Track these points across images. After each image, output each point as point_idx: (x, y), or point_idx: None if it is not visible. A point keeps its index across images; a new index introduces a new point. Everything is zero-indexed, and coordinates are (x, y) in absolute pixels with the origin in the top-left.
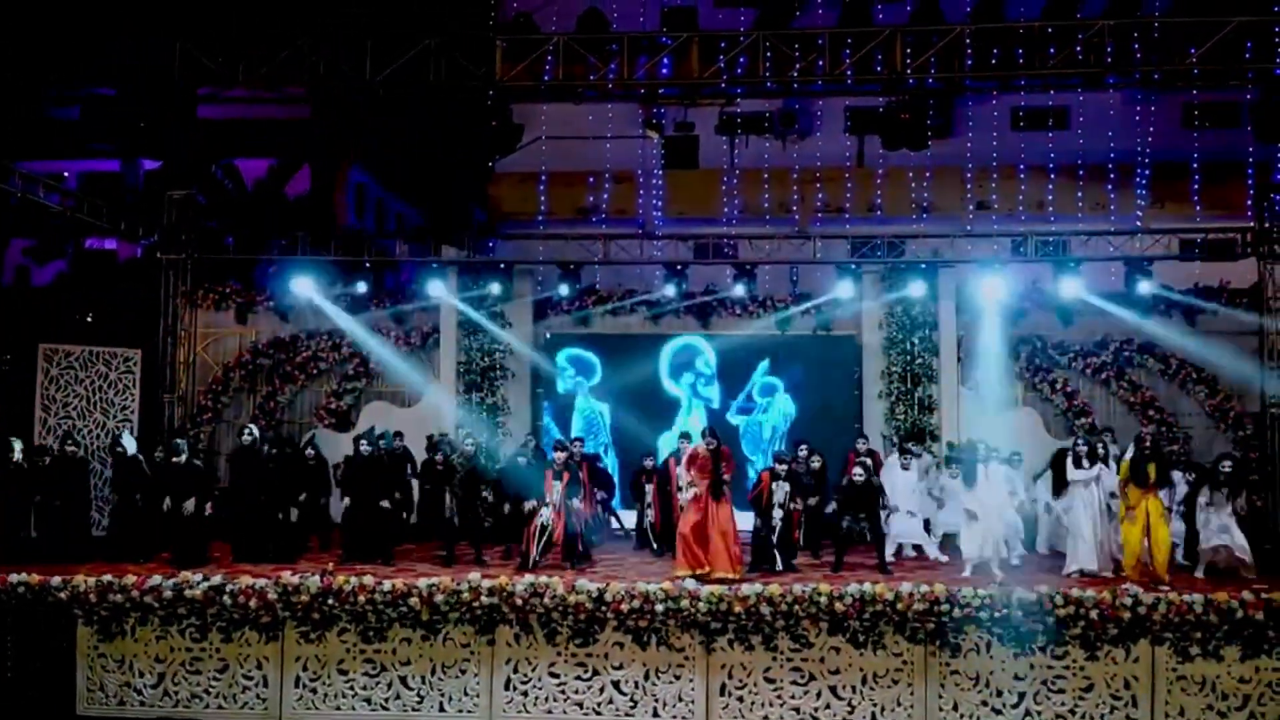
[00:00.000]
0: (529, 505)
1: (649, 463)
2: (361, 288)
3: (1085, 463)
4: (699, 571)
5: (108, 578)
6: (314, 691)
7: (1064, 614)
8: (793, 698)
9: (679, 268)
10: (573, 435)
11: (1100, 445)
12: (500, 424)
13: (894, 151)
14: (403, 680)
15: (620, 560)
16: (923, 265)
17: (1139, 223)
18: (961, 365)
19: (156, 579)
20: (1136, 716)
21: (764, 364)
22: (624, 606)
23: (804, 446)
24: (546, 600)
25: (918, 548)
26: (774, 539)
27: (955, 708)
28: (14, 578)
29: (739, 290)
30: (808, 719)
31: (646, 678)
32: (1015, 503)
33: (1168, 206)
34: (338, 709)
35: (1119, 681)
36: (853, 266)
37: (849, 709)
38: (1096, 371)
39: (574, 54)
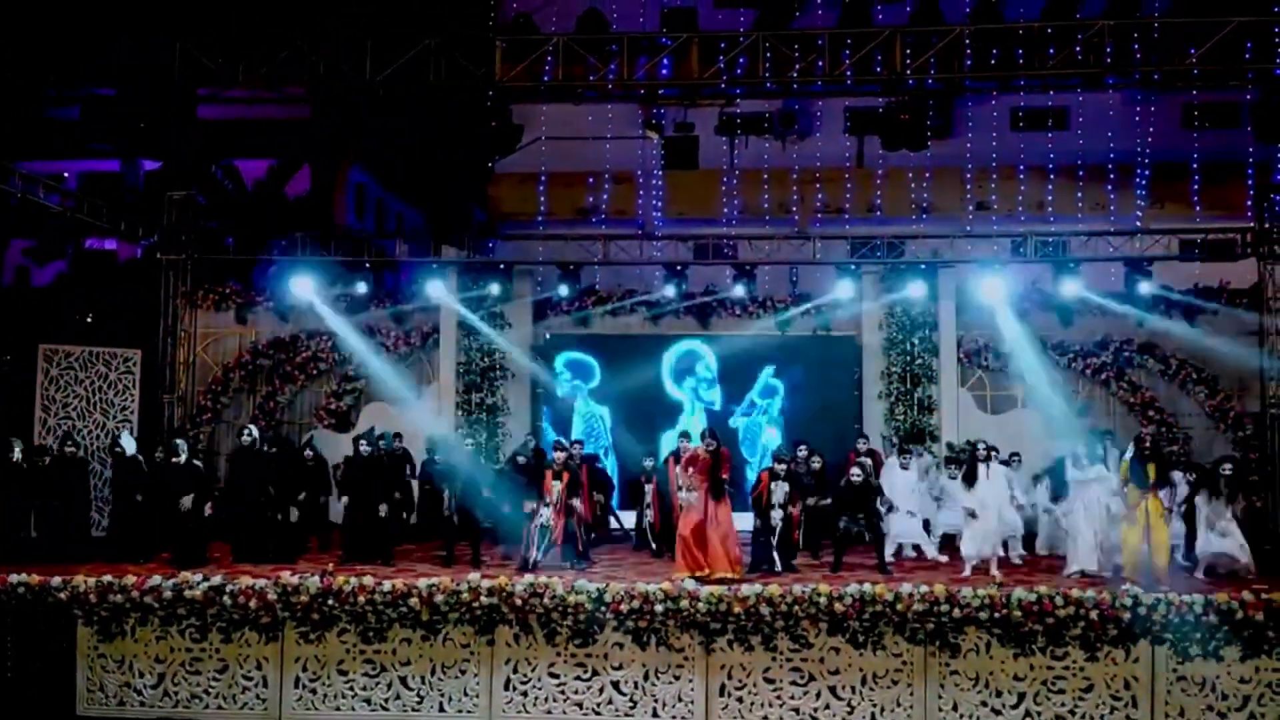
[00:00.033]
0: (529, 506)
1: (648, 463)
2: (361, 288)
3: (1084, 464)
4: (699, 573)
5: (108, 578)
6: (314, 692)
7: (1064, 614)
8: (792, 698)
9: (679, 268)
10: (572, 438)
11: (1100, 446)
12: (500, 424)
13: (894, 152)
14: (402, 680)
15: (620, 560)
16: (922, 266)
17: (1139, 223)
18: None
19: (156, 579)
20: (1136, 717)
21: (768, 369)
22: (623, 607)
23: (803, 447)
24: (546, 600)
25: (917, 548)
26: (773, 540)
27: (955, 708)
28: (14, 578)
29: (739, 291)
30: (807, 719)
31: (646, 678)
32: (1014, 503)
33: (1168, 207)
34: (337, 709)
35: (1119, 682)
36: (852, 267)
37: (848, 709)
38: (1096, 372)
39: (574, 54)
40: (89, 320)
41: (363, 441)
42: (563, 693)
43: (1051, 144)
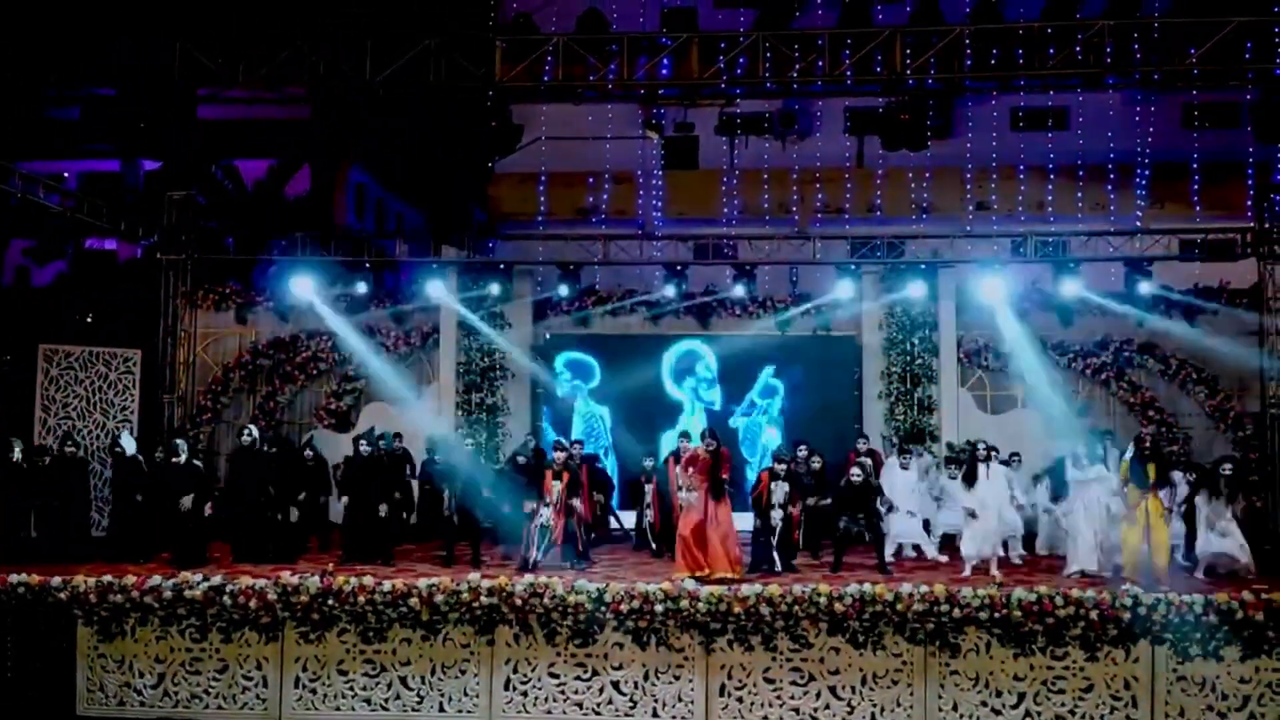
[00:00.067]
0: (529, 506)
1: (648, 463)
2: (361, 288)
3: (1083, 464)
4: (699, 574)
5: (108, 578)
6: (314, 692)
7: (1064, 614)
8: (792, 698)
9: (679, 268)
10: (572, 438)
11: (1100, 446)
12: (500, 424)
13: (893, 152)
14: (402, 680)
15: (620, 560)
16: (922, 266)
17: (1139, 223)
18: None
19: (156, 579)
20: (1136, 717)
21: (768, 369)
22: (623, 607)
23: (803, 447)
24: (546, 600)
25: (917, 548)
26: (773, 540)
27: (955, 708)
28: (14, 578)
29: (739, 291)
30: (807, 719)
31: (646, 678)
32: (1014, 503)
33: (1168, 207)
34: (337, 709)
35: (1119, 682)
36: (852, 267)
37: (848, 709)
38: (1096, 372)
39: (574, 54)
40: (89, 320)
41: (363, 441)
42: (563, 693)
43: (1051, 144)
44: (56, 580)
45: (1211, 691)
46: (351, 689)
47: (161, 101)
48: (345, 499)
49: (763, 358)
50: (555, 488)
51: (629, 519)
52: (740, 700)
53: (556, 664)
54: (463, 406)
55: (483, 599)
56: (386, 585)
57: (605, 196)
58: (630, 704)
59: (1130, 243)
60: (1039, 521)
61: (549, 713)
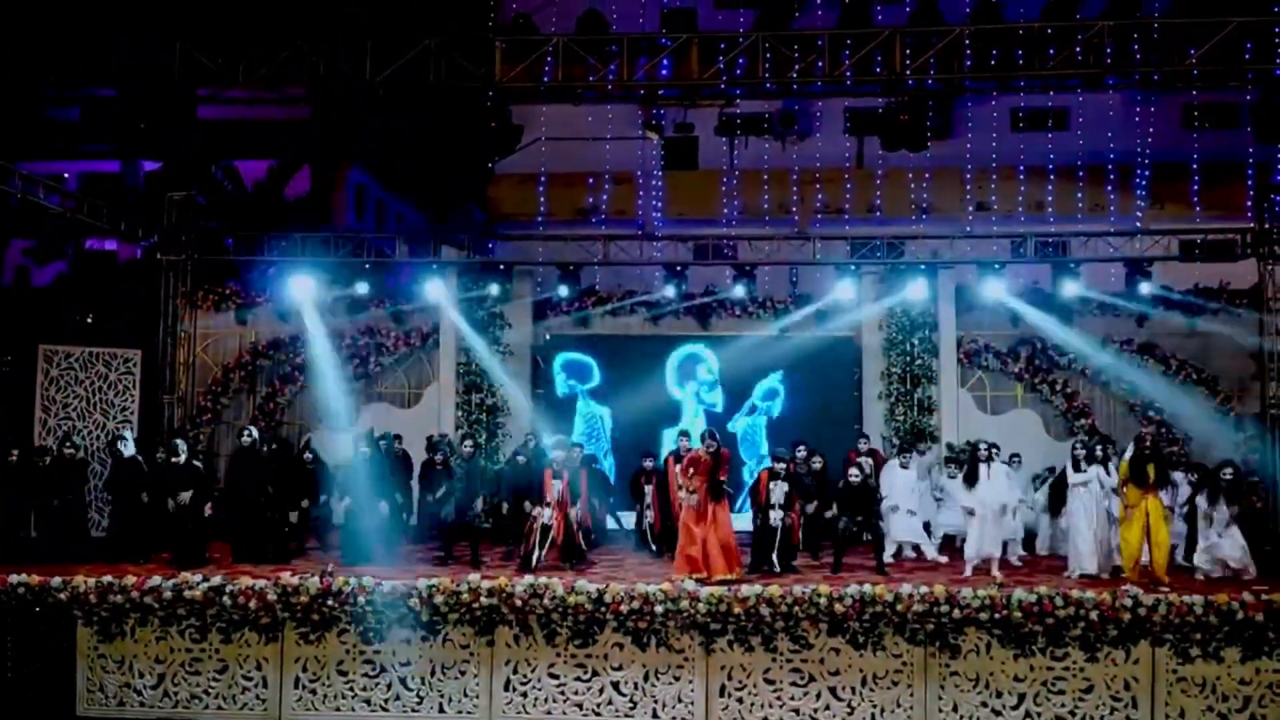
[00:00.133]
0: (529, 506)
1: (648, 463)
2: (362, 288)
3: (1084, 465)
4: (698, 575)
5: (108, 578)
6: (313, 692)
7: (1064, 615)
8: (792, 699)
9: (679, 269)
10: (573, 439)
11: (1100, 447)
12: (500, 424)
13: (893, 152)
14: (402, 681)
15: (620, 561)
16: (922, 266)
17: (1139, 223)
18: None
19: (156, 580)
20: (1137, 718)
21: (774, 375)
22: (623, 607)
23: (802, 447)
24: (546, 601)
25: (917, 548)
26: (773, 540)
27: (955, 709)
28: (14, 578)
29: (739, 291)
30: None
31: (646, 679)
32: (1015, 504)
33: (1167, 207)
34: (337, 710)
35: (1119, 683)
36: (852, 267)
37: (849, 710)
38: (1097, 372)
39: (573, 55)
40: (89, 321)
41: (362, 442)
42: (563, 693)
43: (1051, 144)
44: (56, 580)
45: (1212, 693)
46: (351, 689)
47: (161, 101)
48: (346, 500)
49: (762, 358)
50: (555, 487)
51: (629, 519)
52: (740, 701)
53: (556, 665)
54: (463, 406)
55: (482, 599)
56: (386, 585)
57: (605, 197)
58: (630, 705)
59: (1130, 243)
60: (1039, 522)
61: (549, 713)
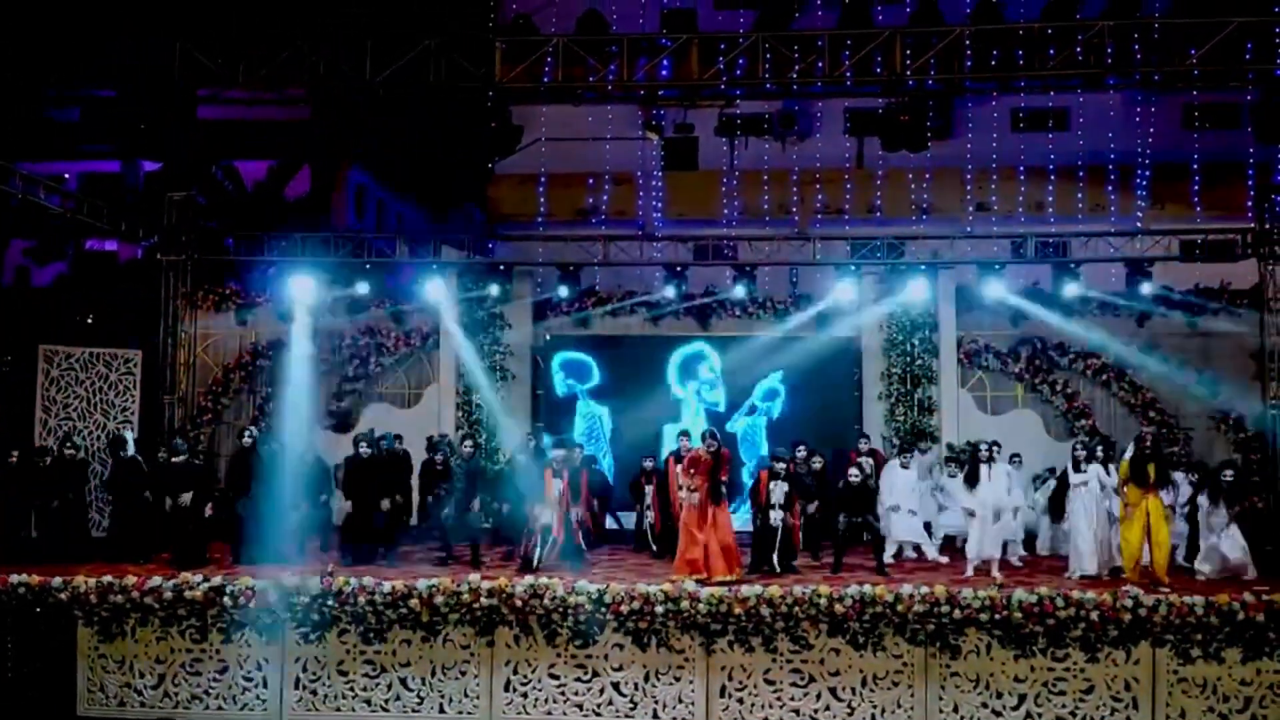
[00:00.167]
0: (529, 506)
1: (648, 464)
2: (362, 288)
3: (1084, 465)
4: (698, 576)
5: (108, 578)
6: (314, 693)
7: (1064, 616)
8: (792, 699)
9: (679, 269)
10: (573, 439)
11: (1099, 448)
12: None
13: (893, 153)
14: (403, 681)
15: (620, 561)
16: (922, 266)
17: (1139, 224)
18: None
19: (156, 580)
20: (1137, 719)
21: (775, 375)
22: (624, 608)
23: (802, 447)
24: (546, 601)
25: (918, 549)
26: (773, 540)
27: (955, 709)
28: (14, 578)
29: (739, 292)
30: None
31: (646, 679)
32: (1015, 504)
33: (1168, 207)
34: (338, 710)
35: (1119, 683)
36: (852, 268)
37: (849, 710)
38: (1097, 373)
39: (573, 55)
40: (89, 321)
41: (362, 442)
42: (563, 694)
43: (1051, 144)
44: (56, 580)
45: (1212, 694)
46: (351, 690)
47: (161, 102)
48: (347, 500)
49: (763, 359)
50: (555, 487)
51: (629, 520)
52: (740, 701)
53: (557, 665)
54: (463, 407)
55: (483, 600)
56: (386, 586)
57: (605, 197)
58: (630, 705)
59: (1130, 243)
60: (1039, 523)
61: (549, 714)
